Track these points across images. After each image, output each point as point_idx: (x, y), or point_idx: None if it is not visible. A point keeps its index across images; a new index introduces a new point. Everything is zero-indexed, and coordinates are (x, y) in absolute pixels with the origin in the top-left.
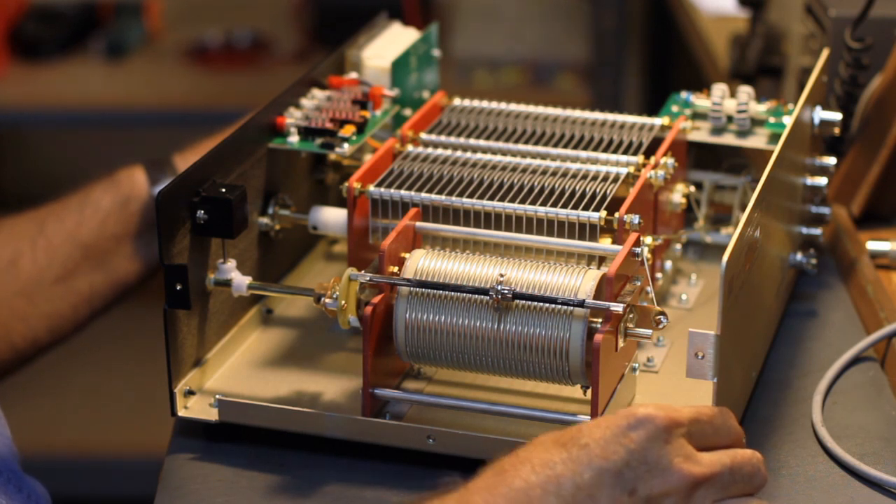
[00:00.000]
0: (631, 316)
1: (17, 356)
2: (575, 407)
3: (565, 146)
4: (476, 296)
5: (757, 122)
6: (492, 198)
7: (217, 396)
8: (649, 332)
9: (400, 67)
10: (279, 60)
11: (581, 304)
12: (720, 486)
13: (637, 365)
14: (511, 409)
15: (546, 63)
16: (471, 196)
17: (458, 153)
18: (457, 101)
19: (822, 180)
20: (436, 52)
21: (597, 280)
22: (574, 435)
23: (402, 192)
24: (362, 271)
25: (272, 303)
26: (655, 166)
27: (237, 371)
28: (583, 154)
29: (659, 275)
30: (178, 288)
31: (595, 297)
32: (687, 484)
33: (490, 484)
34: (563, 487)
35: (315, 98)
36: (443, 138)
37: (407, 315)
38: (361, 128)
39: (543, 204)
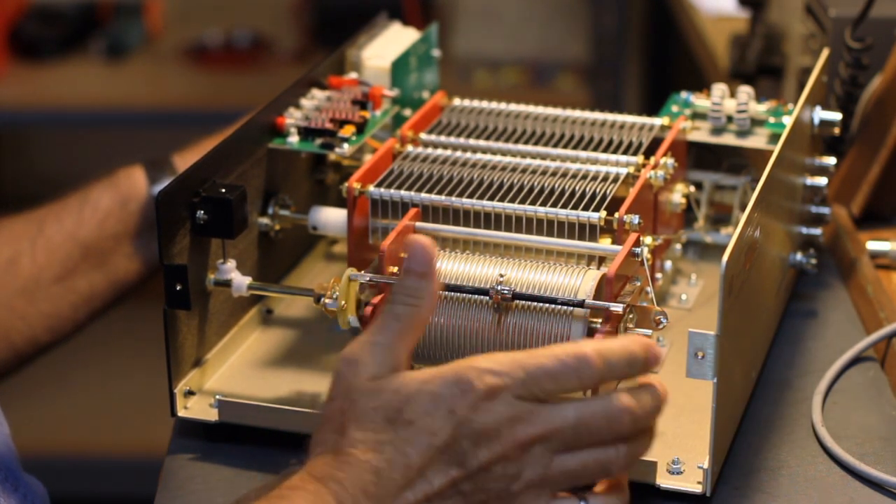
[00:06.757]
0: (631, 316)
1: (16, 356)
2: None
3: (565, 146)
4: (476, 296)
5: (757, 122)
6: (492, 198)
7: (217, 396)
8: (649, 332)
9: (400, 67)
10: (279, 60)
11: (581, 304)
12: (560, 441)
13: None
14: None
15: (546, 63)
16: (471, 196)
17: (458, 153)
18: (457, 101)
19: (822, 180)
20: (436, 52)
21: (597, 280)
22: (400, 407)
23: (402, 192)
24: (362, 271)
25: (272, 303)
26: (655, 166)
27: (237, 371)
28: (583, 154)
29: (659, 275)
30: (178, 288)
31: (595, 298)
32: (513, 448)
33: (330, 472)
34: (396, 469)
35: (315, 98)
36: (443, 138)
37: None
38: (361, 128)
39: (543, 204)
